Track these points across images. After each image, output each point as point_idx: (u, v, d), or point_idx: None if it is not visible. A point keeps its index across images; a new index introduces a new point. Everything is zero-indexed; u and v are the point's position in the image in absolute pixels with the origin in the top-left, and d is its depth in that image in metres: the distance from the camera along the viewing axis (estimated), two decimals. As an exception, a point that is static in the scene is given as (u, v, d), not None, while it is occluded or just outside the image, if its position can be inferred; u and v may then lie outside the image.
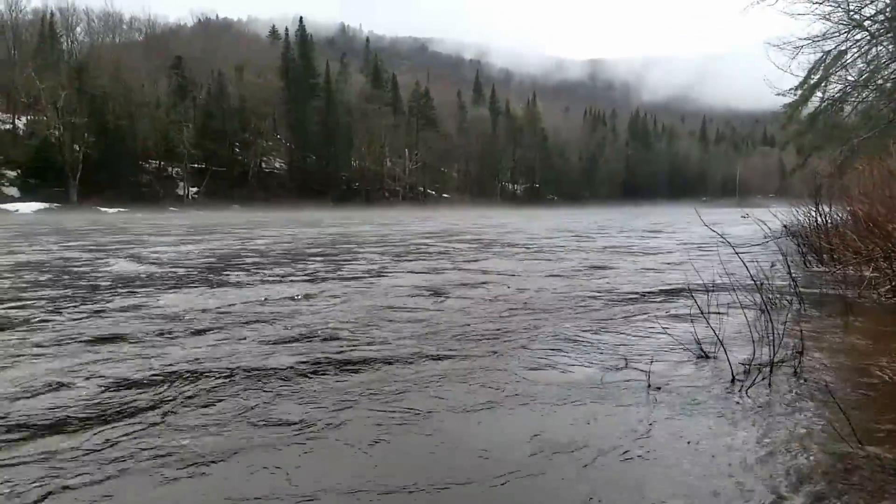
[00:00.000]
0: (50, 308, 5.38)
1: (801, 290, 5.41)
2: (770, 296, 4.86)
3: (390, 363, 3.52)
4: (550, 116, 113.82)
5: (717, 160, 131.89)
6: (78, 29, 74.37)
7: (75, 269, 8.87)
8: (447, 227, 23.55)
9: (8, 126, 59.12)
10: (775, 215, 8.92)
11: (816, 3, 13.31)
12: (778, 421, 2.57)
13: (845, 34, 14.08)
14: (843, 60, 14.73)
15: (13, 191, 55.22)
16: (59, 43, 67.29)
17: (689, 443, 2.34)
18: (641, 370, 3.29)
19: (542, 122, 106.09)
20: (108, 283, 7.24)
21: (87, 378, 3.20)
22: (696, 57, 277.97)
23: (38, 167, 55.24)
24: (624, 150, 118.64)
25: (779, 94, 16.45)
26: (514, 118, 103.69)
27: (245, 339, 4.14)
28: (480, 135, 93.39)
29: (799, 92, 16.43)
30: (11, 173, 56.22)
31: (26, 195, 54.11)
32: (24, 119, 60.66)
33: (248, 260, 10.28)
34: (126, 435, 2.44)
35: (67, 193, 55.99)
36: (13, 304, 5.58)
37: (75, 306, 5.48)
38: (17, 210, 49.55)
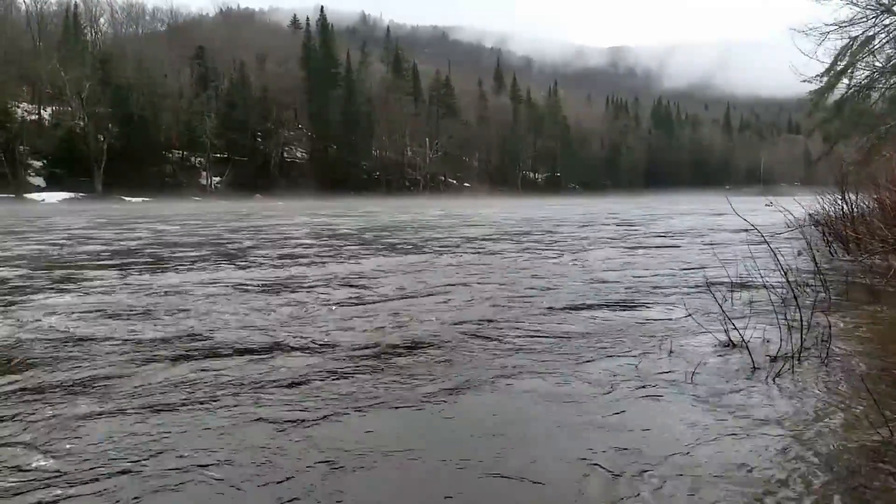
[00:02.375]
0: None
1: (827, 279, 5.37)
2: (796, 284, 4.84)
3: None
4: (572, 104, 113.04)
5: (742, 148, 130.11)
6: (101, 20, 75.36)
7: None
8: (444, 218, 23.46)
9: (34, 117, 60.04)
10: (800, 204, 8.80)
11: (844, -13, 13.09)
12: (806, 409, 2.58)
13: (873, 19, 13.85)
14: (871, 46, 14.49)
15: (39, 181, 56.18)
16: (83, 34, 68.14)
17: (718, 431, 2.37)
18: (671, 359, 3.32)
19: (564, 111, 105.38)
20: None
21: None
22: (718, 43, 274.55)
23: (63, 157, 56.13)
24: (646, 138, 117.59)
25: (804, 81, 16.21)
26: (535, 106, 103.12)
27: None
28: (501, 123, 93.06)
29: (825, 78, 16.17)
30: (37, 163, 57.17)
31: (52, 185, 55.02)
32: (49, 110, 61.58)
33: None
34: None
35: (92, 183, 56.85)
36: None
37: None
38: (42, 200, 50.42)
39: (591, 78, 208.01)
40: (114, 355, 3.45)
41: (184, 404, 2.67)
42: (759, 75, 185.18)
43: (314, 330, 4.11)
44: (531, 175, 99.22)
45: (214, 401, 2.70)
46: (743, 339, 3.50)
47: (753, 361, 3.18)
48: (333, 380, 3.01)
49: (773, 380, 2.94)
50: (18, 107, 58.43)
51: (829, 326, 3.47)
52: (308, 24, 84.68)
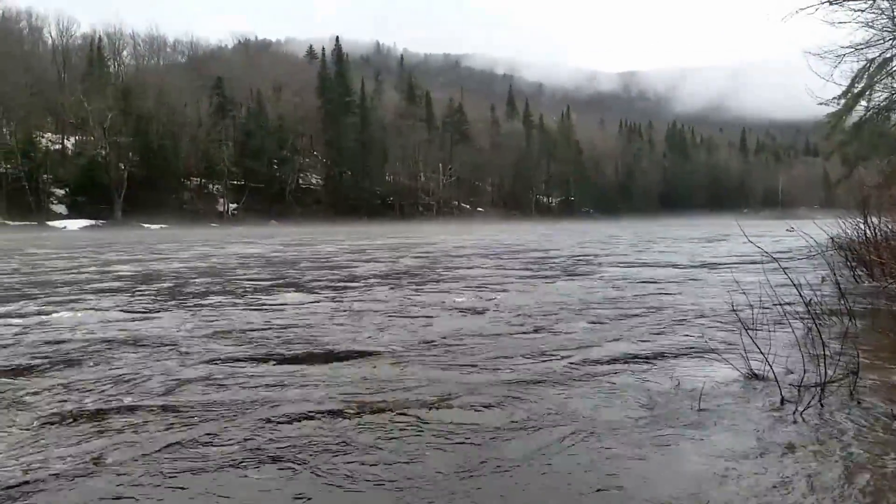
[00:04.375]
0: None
1: (852, 305, 5.26)
2: (819, 312, 4.74)
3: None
4: (584, 129, 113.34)
5: (758, 171, 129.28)
6: (124, 52, 76.91)
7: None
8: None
9: (57, 146, 61.22)
10: (822, 228, 8.68)
11: (859, 10, 13.02)
12: (834, 444, 2.50)
13: (890, 41, 13.75)
14: (889, 68, 14.36)
15: (62, 208, 57.17)
16: (107, 66, 69.53)
17: (741, 467, 2.30)
18: (690, 391, 3.24)
19: (576, 135, 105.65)
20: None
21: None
22: (729, 66, 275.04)
23: (84, 185, 57.14)
24: (661, 161, 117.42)
25: (821, 104, 16.07)
26: (547, 131, 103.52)
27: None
28: (514, 148, 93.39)
29: (842, 101, 16.02)
30: (60, 191, 58.24)
31: (73, 213, 55.95)
32: (72, 139, 62.76)
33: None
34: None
35: (112, 210, 57.72)
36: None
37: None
38: (64, 227, 51.15)
39: (603, 103, 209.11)
40: None
41: None
42: (772, 98, 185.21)
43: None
44: (545, 199, 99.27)
45: None
46: (766, 371, 3.42)
47: (777, 394, 3.10)
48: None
49: (800, 414, 2.85)
50: (43, 137, 59.67)
51: (858, 356, 3.37)
52: (323, 55, 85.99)
